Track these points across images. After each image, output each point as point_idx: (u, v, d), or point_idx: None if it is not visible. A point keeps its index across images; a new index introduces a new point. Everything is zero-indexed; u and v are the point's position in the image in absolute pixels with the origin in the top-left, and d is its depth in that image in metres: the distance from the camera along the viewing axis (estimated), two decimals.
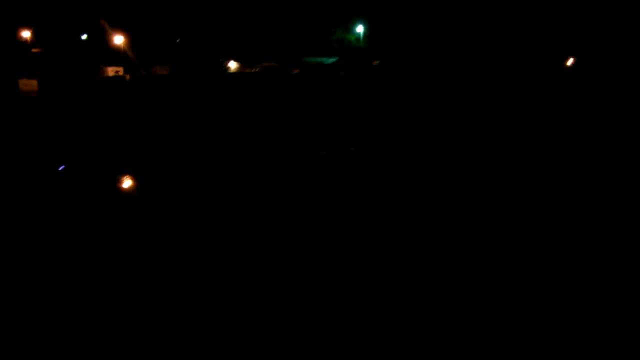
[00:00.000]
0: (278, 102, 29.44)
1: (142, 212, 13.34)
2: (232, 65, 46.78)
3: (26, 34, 52.43)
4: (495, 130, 22.70)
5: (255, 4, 48.93)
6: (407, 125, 23.48)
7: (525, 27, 36.36)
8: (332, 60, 40.70)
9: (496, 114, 24.96)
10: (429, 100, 26.51)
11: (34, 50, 51.76)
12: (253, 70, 44.43)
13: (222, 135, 23.60)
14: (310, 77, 35.51)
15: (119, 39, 47.65)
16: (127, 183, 16.59)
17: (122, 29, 47.51)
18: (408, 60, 35.45)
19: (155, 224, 12.39)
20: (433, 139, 21.46)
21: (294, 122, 25.01)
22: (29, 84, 42.41)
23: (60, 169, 18.25)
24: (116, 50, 47.51)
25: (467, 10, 39.17)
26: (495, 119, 24.15)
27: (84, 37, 52.38)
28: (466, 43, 36.57)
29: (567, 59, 33.89)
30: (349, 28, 46.21)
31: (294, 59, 42.66)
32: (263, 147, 21.10)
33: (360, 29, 45.29)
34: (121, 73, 44.54)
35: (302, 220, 12.40)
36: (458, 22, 38.65)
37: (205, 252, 10.53)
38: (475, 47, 35.86)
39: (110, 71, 44.91)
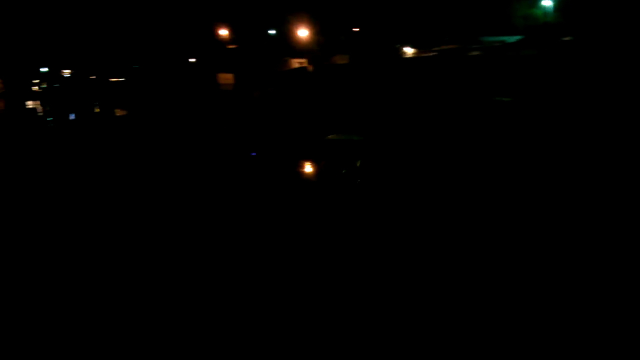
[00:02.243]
0: (456, 85, 28.49)
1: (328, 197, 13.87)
2: (409, 50, 46.50)
3: (223, 32, 58.26)
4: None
5: None
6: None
7: None
8: (515, 38, 37.85)
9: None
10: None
11: (230, 47, 57.41)
12: (430, 54, 43.61)
13: (399, 120, 23.62)
14: (491, 58, 33.56)
15: (303, 33, 50.46)
16: (308, 168, 17.39)
17: (305, 23, 50.19)
18: (605, 35, 31.52)
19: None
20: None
21: (472, 106, 23.94)
22: (226, 78, 47.33)
23: (252, 154, 19.82)
24: (300, 43, 50.41)
25: None
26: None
27: (272, 32, 56.50)
28: None
29: None
30: (534, 1, 42.50)
31: (473, 40, 40.74)
32: (443, 133, 20.69)
33: (547, 1, 41.09)
34: (305, 64, 47.20)
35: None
36: None
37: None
38: None
39: (295, 63, 47.89)
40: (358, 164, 15.46)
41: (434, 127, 21.37)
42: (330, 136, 19.39)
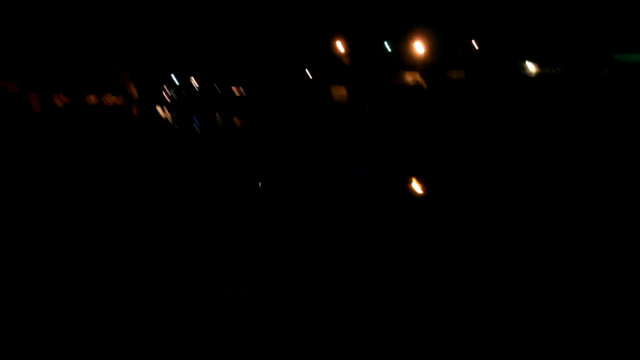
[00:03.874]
0: (582, 106, 26.72)
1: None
2: (530, 67, 44.29)
3: (339, 46, 59.47)
4: None
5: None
6: None
7: None
8: None
9: None
10: None
11: (345, 61, 58.49)
12: (553, 71, 41.24)
13: (518, 143, 22.66)
14: (624, 78, 31.04)
15: (418, 47, 50.05)
16: (414, 185, 17.26)
17: (421, 37, 49.75)
18: None
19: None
20: None
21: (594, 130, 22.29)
22: (340, 91, 48.18)
23: (361, 169, 20.04)
24: (415, 57, 50.04)
25: None
26: None
27: (387, 46, 56.71)
28: None
29: None
30: None
31: (603, 56, 37.94)
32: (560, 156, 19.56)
33: None
34: (418, 79, 46.79)
35: None
36: None
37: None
38: None
39: (409, 77, 47.62)
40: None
41: (557, 150, 20.24)
42: None
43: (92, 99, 60.04)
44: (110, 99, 62.29)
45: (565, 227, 12.01)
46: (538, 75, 42.29)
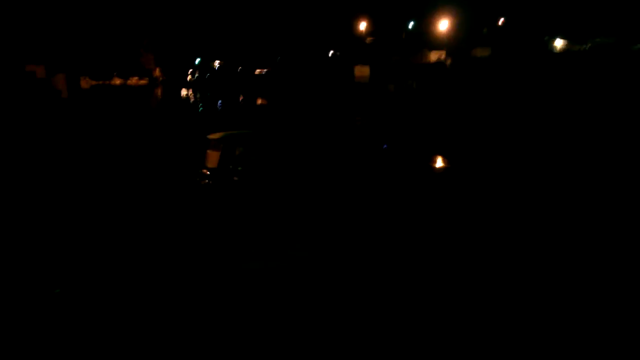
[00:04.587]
0: (612, 84, 25.87)
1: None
2: (559, 43, 43.20)
3: (363, 25, 58.89)
4: None
5: None
6: None
7: None
8: None
9: None
10: None
11: (368, 39, 57.93)
12: (582, 48, 40.17)
13: (545, 121, 22.11)
14: None
15: (442, 25, 49.24)
16: (439, 163, 17.08)
17: (445, 15, 48.92)
18: None
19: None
20: None
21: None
22: (362, 71, 47.84)
23: (384, 147, 19.90)
24: (439, 36, 49.28)
25: None
26: None
27: (411, 25, 55.95)
28: None
29: None
30: None
31: (637, 33, 36.72)
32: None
33: None
34: (443, 57, 46.13)
35: None
36: None
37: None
38: None
39: (433, 55, 46.98)
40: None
41: (590, 128, 19.68)
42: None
43: (117, 81, 60.80)
44: (135, 81, 62.97)
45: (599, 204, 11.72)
46: (566, 52, 41.19)
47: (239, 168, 13.99)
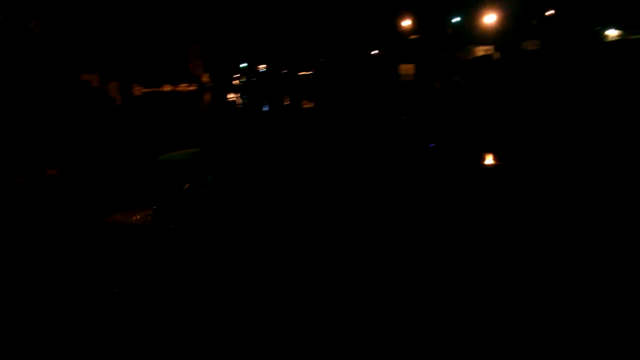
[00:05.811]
0: None
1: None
2: (612, 33, 41.50)
3: (406, 23, 58.36)
4: None
5: None
6: None
7: None
8: None
9: None
10: None
11: (412, 37, 57.34)
12: (634, 38, 38.47)
13: (589, 114, 21.35)
14: None
15: (489, 19, 48.21)
16: (489, 161, 16.80)
17: (492, 8, 47.89)
18: None
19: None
20: None
21: None
22: (407, 69, 47.46)
23: (430, 145, 19.73)
24: (486, 30, 48.26)
25: None
26: None
27: (456, 20, 54.96)
28: None
29: None
30: None
31: None
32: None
33: None
34: (490, 52, 45.11)
35: None
36: None
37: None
38: None
39: (480, 51, 46.02)
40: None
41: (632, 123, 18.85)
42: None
43: (167, 88, 62.51)
44: (184, 87, 64.59)
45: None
46: (621, 42, 39.45)
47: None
